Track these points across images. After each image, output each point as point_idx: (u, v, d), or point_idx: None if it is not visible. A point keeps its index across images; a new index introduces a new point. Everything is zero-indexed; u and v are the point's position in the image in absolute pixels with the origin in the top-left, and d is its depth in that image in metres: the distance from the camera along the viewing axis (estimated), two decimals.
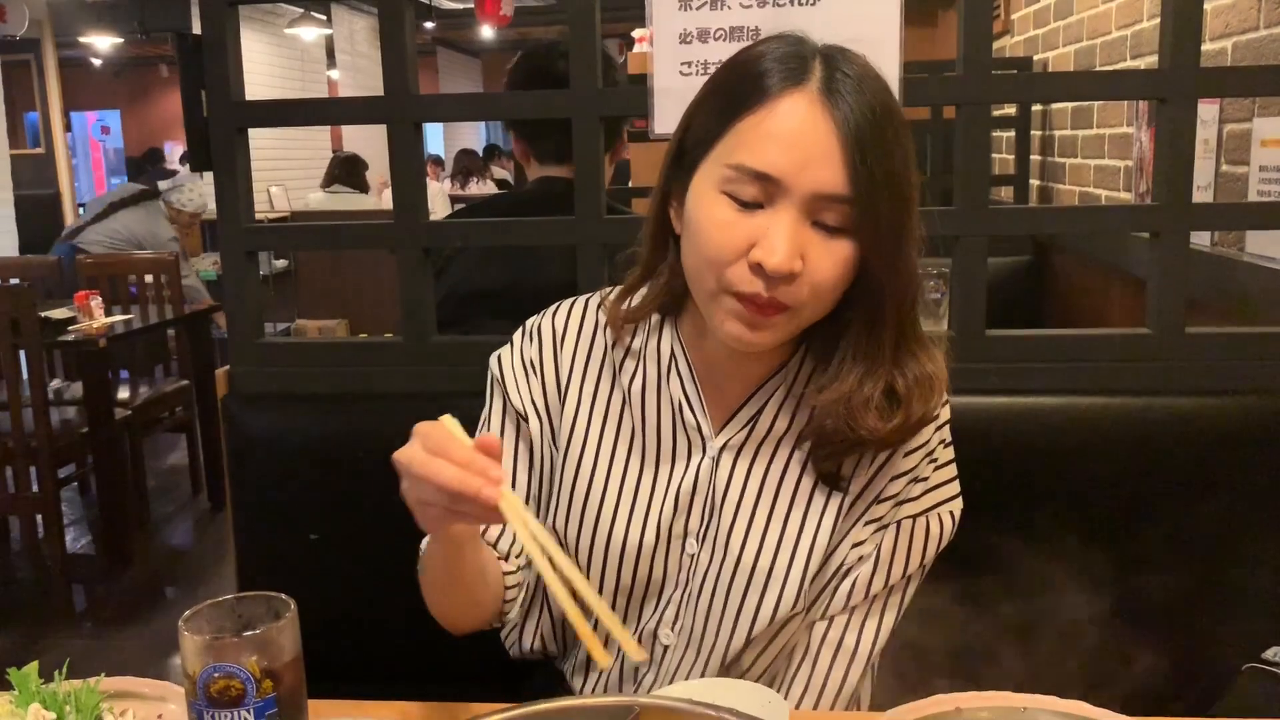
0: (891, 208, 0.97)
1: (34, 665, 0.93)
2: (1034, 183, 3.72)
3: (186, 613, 0.79)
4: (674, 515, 1.12)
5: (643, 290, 1.14)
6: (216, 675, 0.76)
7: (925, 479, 1.12)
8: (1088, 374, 1.51)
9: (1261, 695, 1.30)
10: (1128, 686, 1.22)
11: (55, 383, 4.32)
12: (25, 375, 3.53)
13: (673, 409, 1.13)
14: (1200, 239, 2.13)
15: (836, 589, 1.12)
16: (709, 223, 0.99)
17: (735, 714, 0.72)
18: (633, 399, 1.14)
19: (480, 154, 10.41)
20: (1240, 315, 1.98)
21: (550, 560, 0.83)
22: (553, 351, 1.18)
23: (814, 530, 1.10)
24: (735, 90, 1.00)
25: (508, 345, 1.23)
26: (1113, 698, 1.19)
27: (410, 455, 0.87)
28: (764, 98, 0.98)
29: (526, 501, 1.19)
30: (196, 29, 1.55)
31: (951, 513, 1.15)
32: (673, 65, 1.49)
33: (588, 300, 1.21)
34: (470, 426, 1.22)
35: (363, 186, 6.95)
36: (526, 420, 1.18)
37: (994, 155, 4.09)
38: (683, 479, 1.12)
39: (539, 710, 0.75)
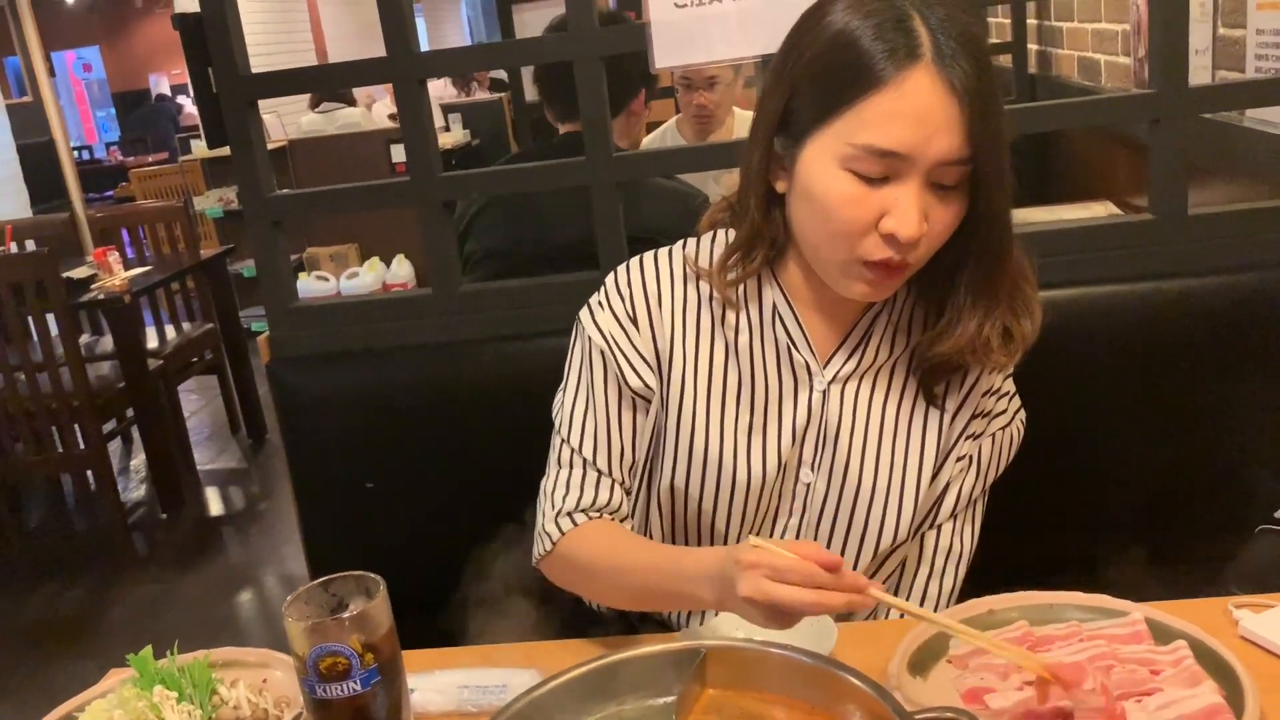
0: (1003, 154, 1.02)
1: (149, 649, 1.02)
2: (1032, 47, 3.68)
3: (288, 599, 0.88)
4: (790, 448, 1.17)
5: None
6: (324, 654, 0.84)
7: (1007, 392, 1.22)
8: (1094, 263, 1.55)
9: (1274, 553, 1.39)
10: (1149, 549, 1.30)
11: (84, 339, 4.40)
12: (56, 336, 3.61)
13: (778, 351, 1.17)
14: None
15: (943, 500, 1.21)
16: (837, 199, 1.02)
17: (793, 649, 0.80)
18: (740, 348, 1.18)
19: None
20: (1242, 182, 2.01)
21: None
22: (652, 308, 1.20)
23: (919, 450, 1.18)
24: (845, 72, 1.00)
25: (597, 304, 1.22)
26: (1135, 561, 1.29)
27: (783, 598, 0.89)
28: (882, 81, 0.98)
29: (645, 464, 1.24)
30: None
31: (1023, 419, 1.24)
32: None
33: (670, 253, 1.22)
34: (512, 365, 1.27)
35: (350, 99, 6.85)
36: (631, 381, 1.19)
37: (991, 21, 4.03)
38: (795, 415, 1.17)
39: (612, 662, 0.83)
